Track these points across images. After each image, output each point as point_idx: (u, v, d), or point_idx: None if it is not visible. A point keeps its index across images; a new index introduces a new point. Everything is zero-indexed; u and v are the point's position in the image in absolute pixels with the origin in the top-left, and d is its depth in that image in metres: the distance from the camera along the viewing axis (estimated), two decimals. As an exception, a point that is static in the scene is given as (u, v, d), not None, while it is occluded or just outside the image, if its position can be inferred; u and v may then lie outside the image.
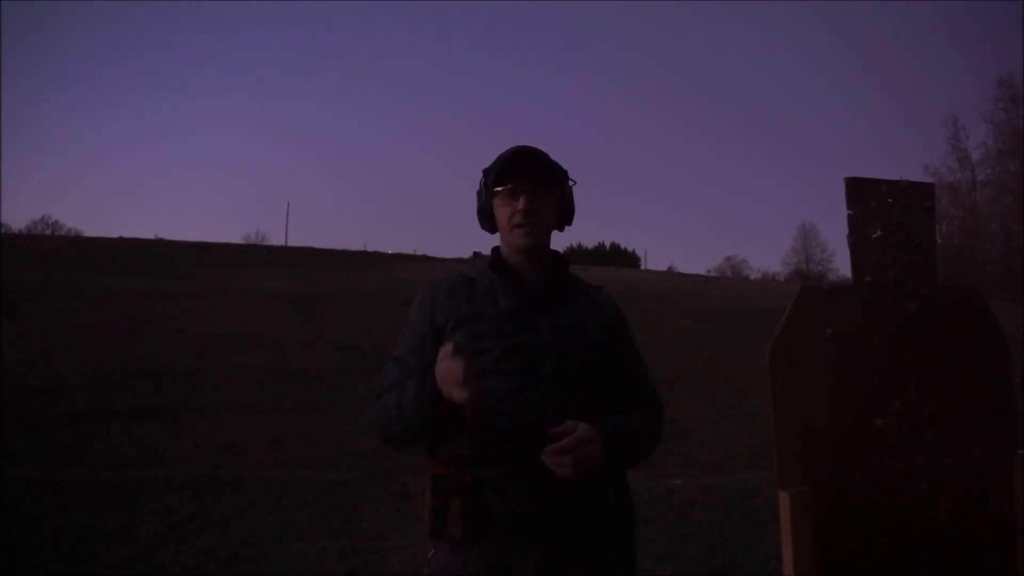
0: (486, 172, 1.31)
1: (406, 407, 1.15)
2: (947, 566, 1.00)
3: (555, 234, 1.35)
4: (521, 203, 1.23)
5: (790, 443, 0.97)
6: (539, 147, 1.28)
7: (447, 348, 1.06)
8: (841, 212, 1.04)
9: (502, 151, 1.29)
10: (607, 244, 46.35)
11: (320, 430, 5.32)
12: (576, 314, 1.26)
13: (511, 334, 1.21)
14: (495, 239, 1.35)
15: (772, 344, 0.99)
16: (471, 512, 1.14)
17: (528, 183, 1.24)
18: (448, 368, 1.04)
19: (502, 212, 1.27)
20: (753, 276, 44.36)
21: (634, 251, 47.61)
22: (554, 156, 1.31)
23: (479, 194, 1.32)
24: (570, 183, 1.33)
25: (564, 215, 1.33)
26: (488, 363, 1.19)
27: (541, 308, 1.25)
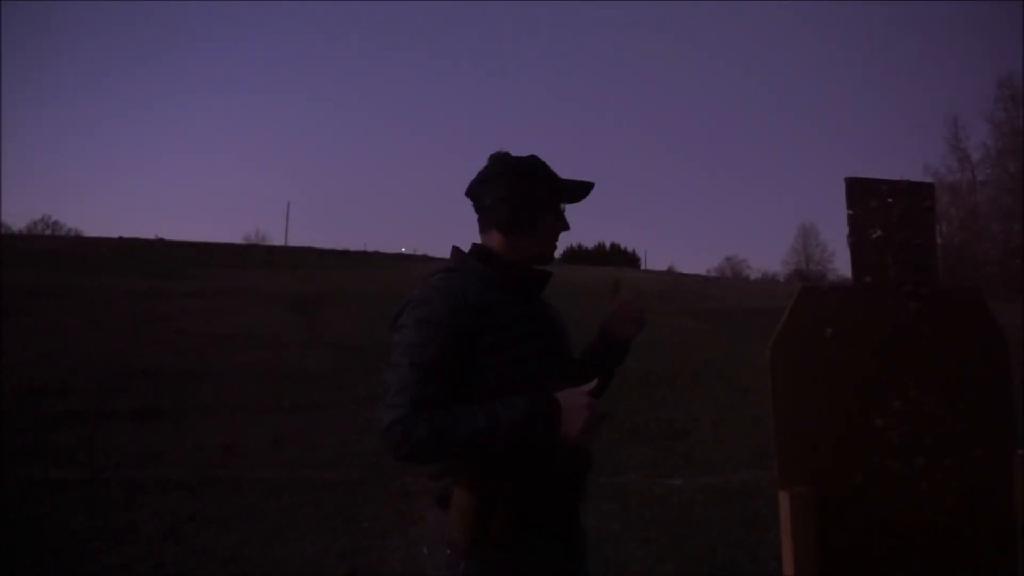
0: (544, 179, 1.29)
1: (501, 435, 1.08)
2: (947, 566, 1.00)
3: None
4: (565, 224, 1.33)
5: (790, 443, 0.97)
6: (549, 150, 1.37)
7: (588, 398, 1.10)
8: (841, 212, 1.04)
9: (517, 157, 1.32)
10: (607, 244, 46.38)
11: (320, 430, 5.31)
12: (556, 314, 1.38)
13: (543, 334, 1.25)
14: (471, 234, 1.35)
15: (772, 344, 0.99)
16: (515, 516, 1.12)
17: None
18: (590, 422, 1.09)
19: (551, 226, 1.31)
20: (753, 276, 44.41)
21: (634, 251, 47.68)
22: (556, 156, 1.35)
23: (531, 196, 1.27)
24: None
25: None
26: (534, 367, 1.18)
27: (544, 310, 1.33)
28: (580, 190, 1.32)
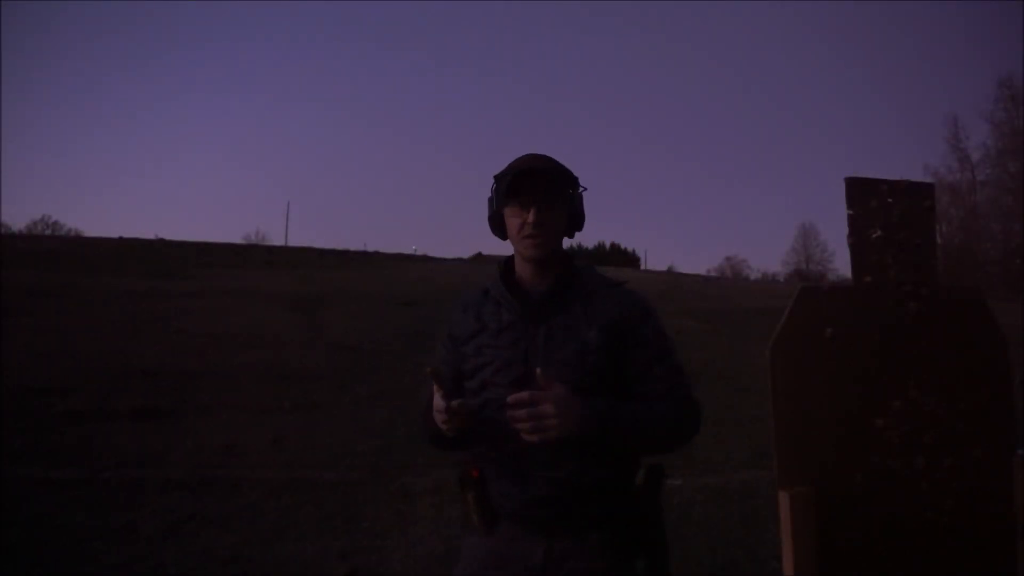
0: (498, 179, 1.31)
1: (423, 423, 1.33)
2: (947, 566, 1.00)
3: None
4: (531, 215, 1.25)
5: (790, 443, 0.97)
6: (549, 151, 1.32)
7: (438, 394, 1.18)
8: (841, 212, 1.04)
9: (514, 158, 1.31)
10: (607, 244, 46.37)
11: (320, 430, 5.31)
12: (571, 320, 1.26)
13: (507, 346, 1.25)
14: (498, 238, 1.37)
15: (772, 344, 0.99)
16: (479, 503, 1.25)
17: (538, 195, 1.26)
18: (437, 413, 1.18)
19: (512, 223, 1.29)
20: (753, 276, 44.44)
21: (634, 251, 47.69)
22: (556, 157, 1.33)
23: (490, 201, 1.33)
24: (580, 190, 1.34)
25: (573, 222, 1.35)
26: (488, 375, 1.25)
27: (539, 318, 1.26)
28: (513, 176, 1.26)
